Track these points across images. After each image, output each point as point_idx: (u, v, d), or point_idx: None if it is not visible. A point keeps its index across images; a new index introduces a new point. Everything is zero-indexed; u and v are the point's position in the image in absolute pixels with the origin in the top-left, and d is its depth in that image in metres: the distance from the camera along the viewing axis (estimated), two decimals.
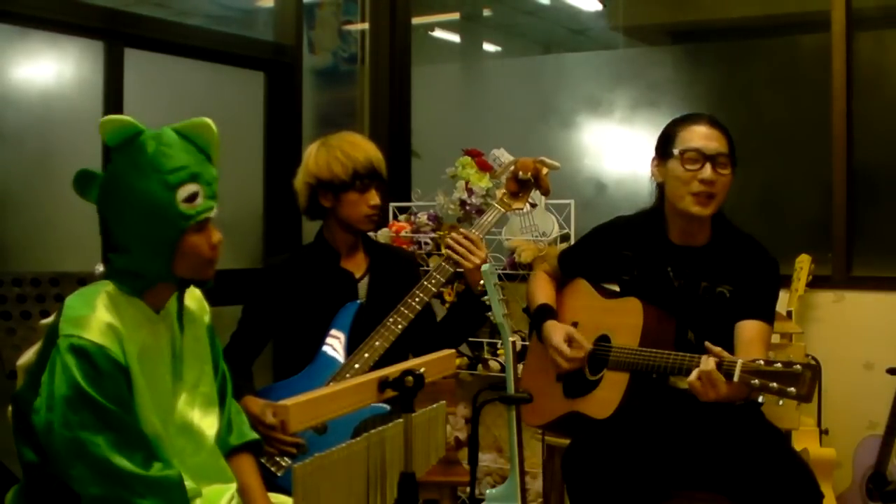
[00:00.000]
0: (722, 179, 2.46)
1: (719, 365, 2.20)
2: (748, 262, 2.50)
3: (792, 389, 2.08)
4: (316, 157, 2.78)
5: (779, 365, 2.11)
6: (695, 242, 2.56)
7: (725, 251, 2.53)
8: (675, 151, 2.49)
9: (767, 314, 2.47)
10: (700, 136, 2.48)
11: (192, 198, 1.84)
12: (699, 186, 2.45)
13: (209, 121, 1.89)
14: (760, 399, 2.17)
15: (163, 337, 1.94)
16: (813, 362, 2.42)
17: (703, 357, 2.24)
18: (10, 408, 1.90)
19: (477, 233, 2.81)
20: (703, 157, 2.45)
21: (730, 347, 2.38)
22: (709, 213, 2.48)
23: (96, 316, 1.80)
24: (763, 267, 2.50)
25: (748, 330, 2.43)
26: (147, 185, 1.82)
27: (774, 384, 2.10)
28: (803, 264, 3.43)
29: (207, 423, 2.00)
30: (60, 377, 1.75)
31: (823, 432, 3.32)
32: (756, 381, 2.12)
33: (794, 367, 2.09)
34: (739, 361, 2.17)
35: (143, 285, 1.89)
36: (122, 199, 1.85)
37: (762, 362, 2.14)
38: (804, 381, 2.08)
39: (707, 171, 2.45)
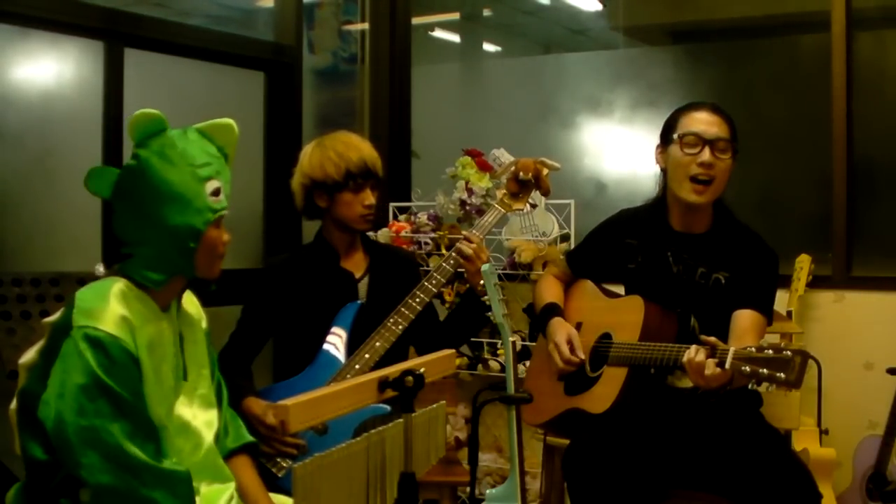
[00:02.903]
0: (720, 164, 2.48)
1: (712, 353, 2.21)
2: (746, 251, 2.52)
3: (781, 375, 2.09)
4: (310, 158, 2.78)
5: (769, 351, 2.13)
6: (695, 229, 2.58)
7: (724, 239, 2.55)
8: (675, 136, 2.51)
9: (763, 305, 2.48)
10: (700, 121, 2.50)
11: (216, 192, 1.91)
12: (697, 170, 2.47)
13: (232, 122, 1.96)
14: (750, 386, 2.18)
15: (168, 335, 1.95)
16: (809, 361, 2.43)
17: (693, 347, 2.26)
18: (11, 406, 1.90)
19: (477, 234, 2.82)
20: (702, 140, 2.47)
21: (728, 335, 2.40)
22: (704, 202, 2.50)
23: (110, 308, 1.83)
24: (761, 257, 2.52)
25: (743, 320, 2.45)
26: (179, 176, 1.87)
27: (765, 370, 2.11)
28: (803, 264, 3.43)
29: (206, 423, 2.01)
30: (76, 366, 1.77)
31: (823, 432, 3.32)
32: (747, 367, 2.14)
33: (784, 353, 2.11)
34: (731, 349, 2.19)
35: (160, 280, 1.91)
36: (149, 191, 1.88)
37: (753, 349, 2.15)
38: (793, 366, 2.09)
39: (706, 154, 2.46)
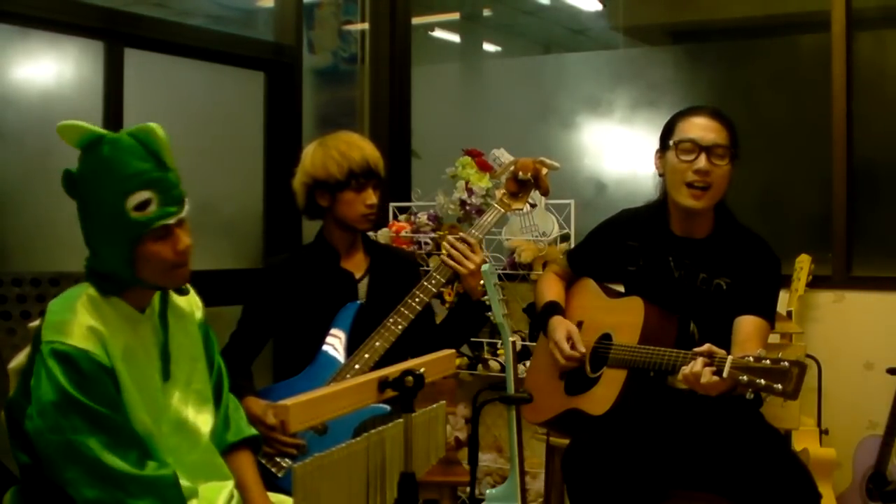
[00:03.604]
0: (717, 171, 2.46)
1: (710, 361, 2.20)
2: (748, 256, 2.51)
3: (778, 386, 2.09)
4: (312, 157, 2.78)
5: (767, 361, 2.12)
6: (696, 234, 2.57)
7: (726, 244, 2.54)
8: (672, 142, 2.50)
9: (766, 310, 2.47)
10: (697, 128, 2.49)
11: (142, 206, 1.80)
12: (693, 177, 2.46)
13: (155, 125, 1.85)
14: (748, 395, 2.17)
15: (148, 336, 1.92)
16: (809, 361, 2.43)
17: (691, 362, 2.24)
18: (1, 413, 1.89)
19: (476, 233, 2.82)
20: (698, 147, 2.46)
21: (729, 341, 2.39)
22: (702, 206, 2.49)
23: (77, 320, 1.80)
24: (763, 262, 2.51)
25: (746, 326, 2.44)
26: (100, 191, 1.82)
27: (762, 380, 2.10)
28: (803, 264, 3.43)
29: (202, 421, 1.99)
30: (46, 383, 1.75)
31: (823, 432, 3.32)
32: (744, 377, 2.13)
33: (782, 363, 2.10)
34: (729, 358, 2.18)
35: (115, 288, 1.87)
36: (85, 203, 1.85)
37: (751, 358, 2.14)
38: (790, 377, 2.08)
39: (701, 161, 2.45)
